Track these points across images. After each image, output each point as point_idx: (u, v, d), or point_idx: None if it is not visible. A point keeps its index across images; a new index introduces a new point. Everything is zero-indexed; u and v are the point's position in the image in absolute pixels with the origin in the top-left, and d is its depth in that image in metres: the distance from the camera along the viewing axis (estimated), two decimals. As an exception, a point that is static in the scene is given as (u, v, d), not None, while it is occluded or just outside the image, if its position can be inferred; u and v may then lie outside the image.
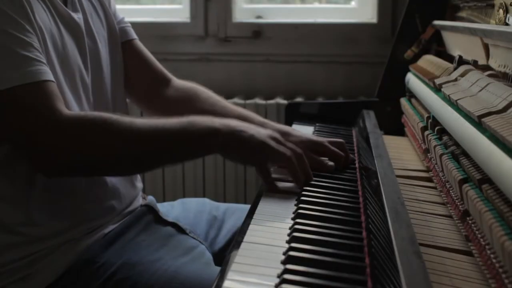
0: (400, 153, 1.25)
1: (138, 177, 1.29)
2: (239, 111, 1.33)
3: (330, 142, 1.15)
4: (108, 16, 1.23)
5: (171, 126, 1.02)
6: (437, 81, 1.13)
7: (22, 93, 0.95)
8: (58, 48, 1.05)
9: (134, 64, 1.30)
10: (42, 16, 1.03)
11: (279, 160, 1.03)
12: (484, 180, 0.76)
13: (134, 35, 1.32)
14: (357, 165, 1.15)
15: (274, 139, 1.03)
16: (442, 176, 0.97)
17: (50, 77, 0.98)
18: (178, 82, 1.39)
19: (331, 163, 1.10)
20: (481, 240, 0.73)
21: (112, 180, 1.14)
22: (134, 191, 1.24)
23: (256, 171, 1.03)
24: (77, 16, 1.12)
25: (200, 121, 1.03)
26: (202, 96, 1.36)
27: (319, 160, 1.10)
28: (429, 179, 1.08)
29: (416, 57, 1.56)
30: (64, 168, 1.00)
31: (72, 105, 1.06)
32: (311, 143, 1.14)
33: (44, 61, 0.99)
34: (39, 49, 0.99)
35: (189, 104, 1.35)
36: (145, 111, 1.43)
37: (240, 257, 0.73)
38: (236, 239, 0.80)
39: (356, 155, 1.22)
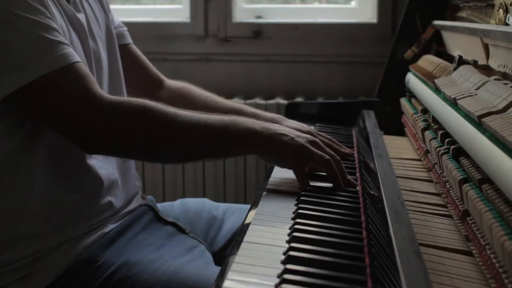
0: (400, 153, 1.25)
1: (137, 175, 1.30)
2: (231, 104, 1.37)
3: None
4: (107, 20, 1.24)
5: (214, 123, 1.04)
6: (437, 81, 1.13)
7: (57, 78, 0.97)
8: None
9: (130, 67, 1.32)
10: (55, 14, 1.04)
11: (318, 163, 1.02)
12: (484, 180, 0.76)
13: (130, 39, 1.34)
14: (356, 161, 1.15)
15: (313, 143, 1.04)
16: (442, 176, 0.97)
17: (78, 58, 1.01)
18: (170, 83, 1.42)
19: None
20: (481, 240, 0.73)
21: (109, 177, 1.15)
22: (132, 188, 1.25)
23: (294, 173, 1.03)
24: (81, 16, 1.13)
25: (242, 122, 1.04)
26: (194, 94, 1.39)
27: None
28: (429, 179, 1.08)
29: (416, 57, 1.56)
30: (106, 148, 1.05)
31: None
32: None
33: (68, 43, 1.01)
34: (61, 32, 1.01)
35: (182, 103, 1.36)
36: None
37: (240, 257, 0.73)
38: (236, 239, 0.80)
39: (356, 155, 1.22)
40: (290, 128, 1.10)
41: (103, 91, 1.02)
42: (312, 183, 1.01)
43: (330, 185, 1.00)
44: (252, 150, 1.07)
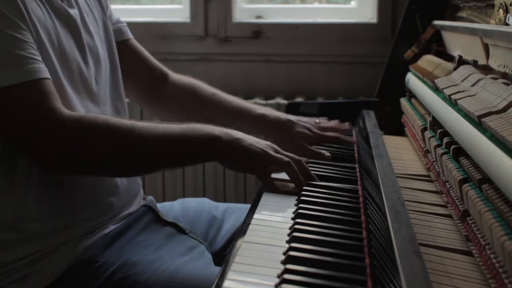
0: (400, 153, 1.25)
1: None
2: (236, 102, 1.36)
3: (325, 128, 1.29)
4: (104, 17, 1.24)
5: (172, 131, 1.04)
6: (437, 82, 1.13)
7: (18, 92, 0.96)
8: (54, 43, 1.06)
9: (133, 63, 1.31)
10: (37, 12, 1.03)
11: (279, 166, 1.04)
12: (484, 180, 0.76)
13: (130, 34, 1.34)
14: (356, 161, 1.16)
15: (272, 148, 1.05)
16: (442, 176, 0.97)
17: (46, 74, 0.99)
18: (175, 77, 1.41)
19: (327, 154, 1.18)
20: (481, 240, 0.73)
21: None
22: (133, 188, 1.24)
23: (257, 177, 1.04)
24: (73, 12, 1.12)
25: (200, 128, 1.04)
26: (201, 89, 1.39)
27: (317, 152, 1.19)
28: (429, 179, 1.08)
29: (416, 57, 1.56)
30: (63, 166, 1.02)
31: (72, 99, 1.07)
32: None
33: (40, 58, 0.99)
34: (34, 46, 0.99)
35: (188, 99, 1.36)
36: (146, 108, 1.43)
37: (240, 257, 0.73)
38: (236, 239, 0.80)
39: (356, 155, 1.22)
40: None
41: (64, 108, 0.99)
42: (311, 182, 1.01)
43: (330, 184, 1.01)
44: (212, 156, 1.06)
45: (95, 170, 1.06)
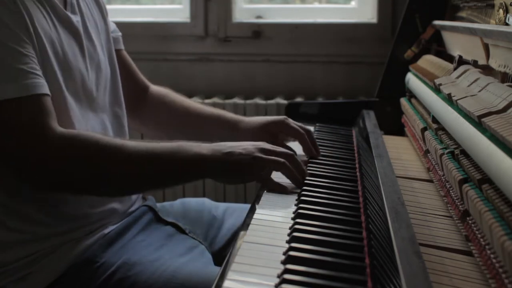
0: (400, 153, 1.26)
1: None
2: (210, 110, 1.36)
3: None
4: (105, 23, 1.24)
5: (161, 151, 1.02)
6: (437, 81, 1.13)
7: (14, 107, 0.95)
8: (59, 54, 1.05)
9: (121, 74, 1.30)
10: (42, 22, 1.02)
11: (275, 169, 1.04)
12: (484, 180, 0.76)
13: (122, 45, 1.34)
14: (356, 161, 1.15)
15: (262, 150, 1.03)
16: (442, 176, 0.97)
17: (45, 90, 0.98)
18: (153, 88, 1.41)
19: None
20: (481, 240, 0.73)
21: None
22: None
23: (261, 184, 1.03)
24: (76, 19, 1.12)
25: (188, 148, 1.02)
26: (176, 101, 1.38)
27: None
28: (429, 179, 1.08)
29: (416, 57, 1.56)
30: (52, 185, 1.00)
31: (72, 109, 1.06)
32: (272, 123, 1.27)
33: (40, 73, 0.98)
34: (35, 60, 0.98)
35: (160, 108, 1.37)
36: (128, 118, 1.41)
37: (240, 257, 0.73)
38: (236, 239, 0.80)
39: (356, 155, 1.22)
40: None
41: (58, 125, 0.98)
42: (311, 182, 1.01)
43: (328, 182, 1.01)
44: (202, 174, 1.07)
45: (83, 190, 1.04)
